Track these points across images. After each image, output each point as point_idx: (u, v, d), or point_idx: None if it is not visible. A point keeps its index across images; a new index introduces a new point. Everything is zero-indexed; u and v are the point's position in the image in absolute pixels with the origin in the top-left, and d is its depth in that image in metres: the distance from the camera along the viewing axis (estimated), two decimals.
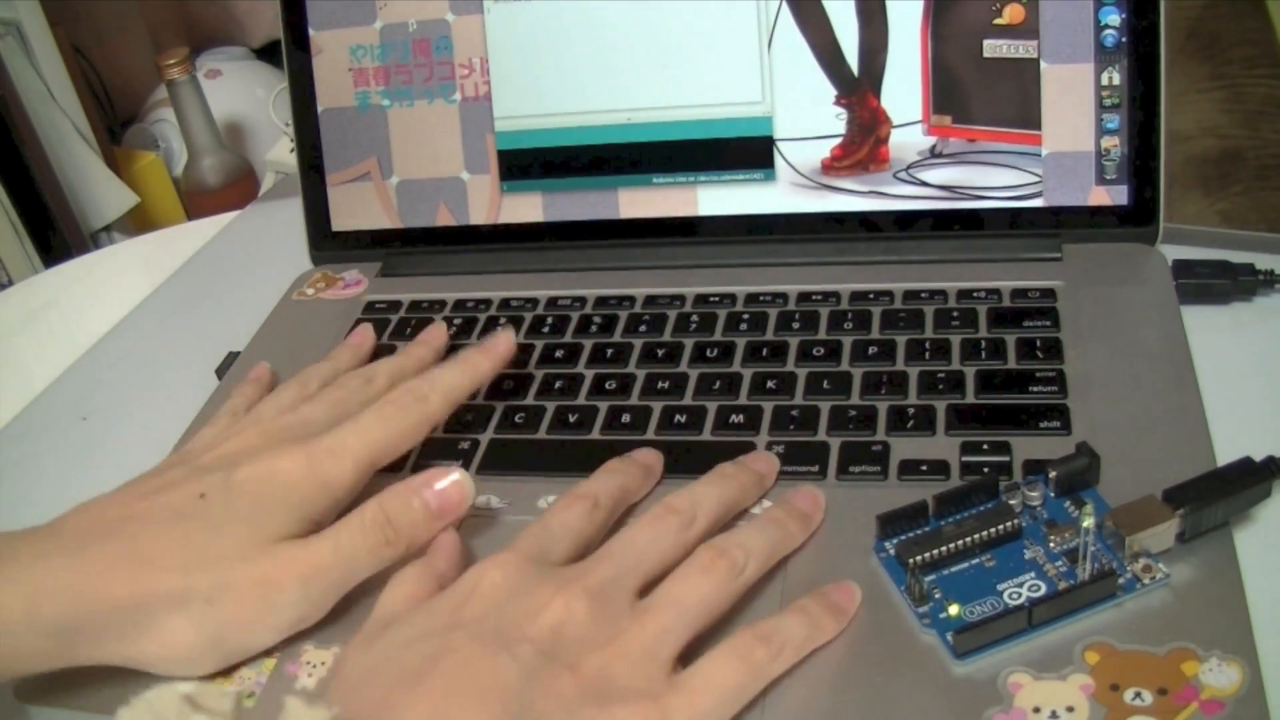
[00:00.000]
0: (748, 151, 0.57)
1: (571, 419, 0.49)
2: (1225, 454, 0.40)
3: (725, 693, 0.34)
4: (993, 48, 0.54)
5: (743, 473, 0.42)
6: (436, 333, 0.53)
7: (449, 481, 0.41)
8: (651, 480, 0.44)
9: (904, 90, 0.55)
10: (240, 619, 0.38)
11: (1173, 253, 0.53)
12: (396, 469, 0.47)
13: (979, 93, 0.54)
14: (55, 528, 0.40)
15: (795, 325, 0.52)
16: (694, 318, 0.54)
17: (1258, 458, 0.39)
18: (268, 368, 0.53)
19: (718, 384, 0.49)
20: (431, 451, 0.48)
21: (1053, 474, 0.40)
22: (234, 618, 0.38)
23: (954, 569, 0.38)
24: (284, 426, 0.44)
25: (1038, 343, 0.48)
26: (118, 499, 0.41)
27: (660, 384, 0.50)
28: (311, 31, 0.62)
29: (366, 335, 0.55)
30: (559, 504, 0.40)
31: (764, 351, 0.51)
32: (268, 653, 0.39)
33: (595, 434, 0.48)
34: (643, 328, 0.54)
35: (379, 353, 0.55)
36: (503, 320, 0.56)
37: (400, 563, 0.40)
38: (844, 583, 0.38)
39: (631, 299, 0.56)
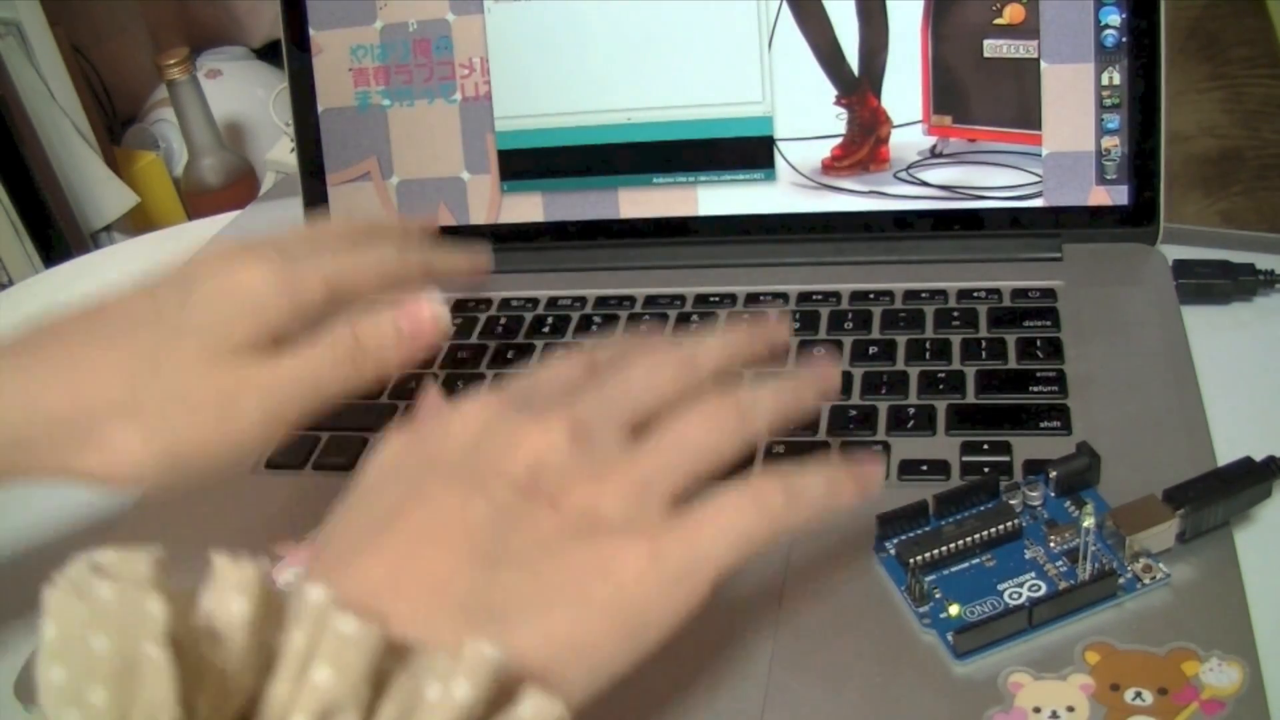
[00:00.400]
0: (748, 151, 0.57)
1: None
2: (1225, 454, 0.40)
3: (731, 534, 0.30)
4: (993, 47, 0.54)
5: (754, 329, 0.38)
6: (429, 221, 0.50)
7: (422, 303, 0.39)
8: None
9: (904, 90, 0.55)
10: (194, 431, 0.36)
11: (1173, 253, 0.53)
12: None
13: (979, 93, 0.54)
14: (14, 336, 0.38)
15: (795, 325, 0.52)
16: (694, 318, 0.54)
17: (1258, 458, 0.39)
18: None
19: None
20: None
21: (1053, 474, 0.40)
22: (188, 430, 0.36)
23: (954, 569, 0.38)
24: (259, 243, 0.40)
25: (1038, 343, 0.48)
26: (68, 313, 0.39)
27: None
28: (312, 31, 0.62)
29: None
30: (554, 357, 0.37)
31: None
32: None
33: None
34: (643, 328, 0.54)
35: None
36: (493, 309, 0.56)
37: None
38: (869, 454, 0.35)
39: (631, 299, 0.56)
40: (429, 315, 0.39)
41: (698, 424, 0.32)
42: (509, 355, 0.54)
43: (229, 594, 0.25)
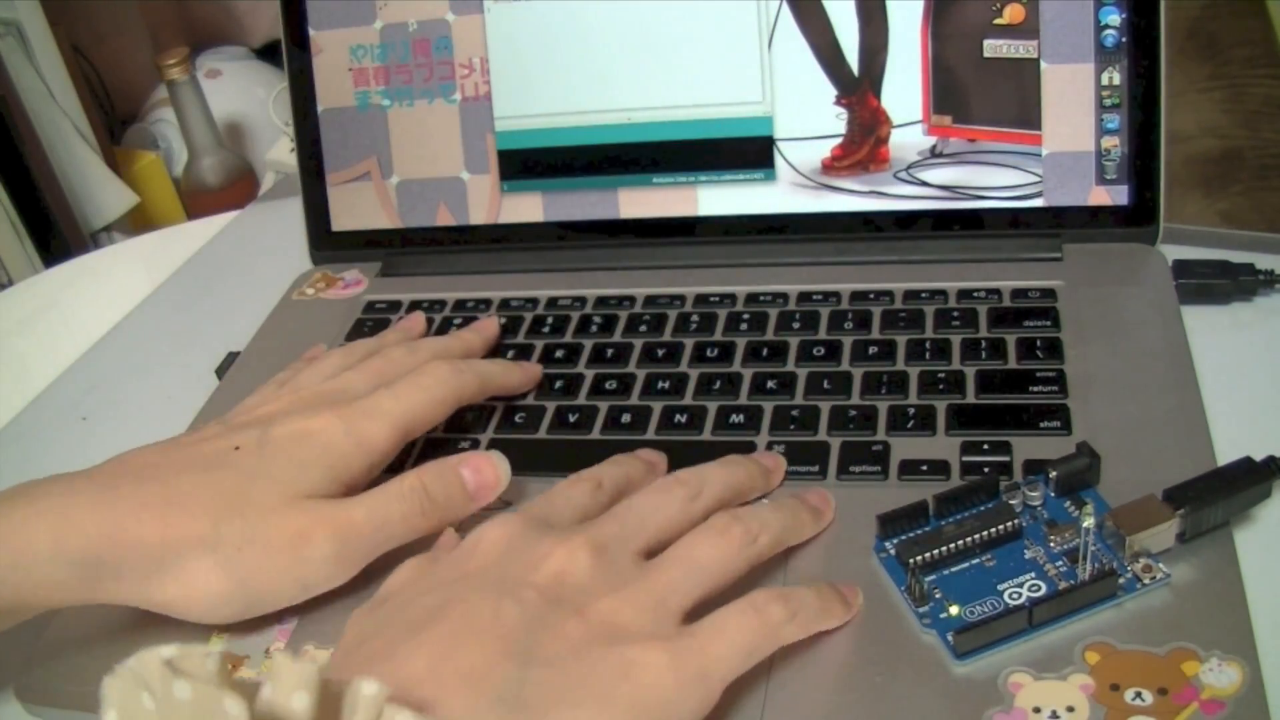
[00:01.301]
0: (748, 151, 0.57)
1: (571, 419, 0.49)
2: (1225, 454, 0.40)
3: (738, 646, 0.33)
4: (993, 48, 0.54)
5: (750, 463, 0.43)
6: (490, 326, 0.54)
7: (487, 462, 0.42)
8: (654, 477, 0.44)
9: (904, 90, 0.55)
10: (267, 569, 0.38)
11: (1173, 253, 0.53)
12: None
13: (979, 93, 0.54)
14: (90, 471, 0.40)
15: (795, 325, 0.52)
16: (694, 318, 0.54)
17: (1258, 458, 0.39)
18: (324, 349, 0.54)
19: (718, 384, 0.49)
20: (431, 452, 0.48)
21: (1053, 474, 0.40)
22: (261, 567, 0.38)
23: (954, 569, 0.38)
24: (323, 391, 0.45)
25: (1038, 343, 0.48)
26: (154, 449, 0.42)
27: (660, 384, 0.50)
28: (311, 31, 0.62)
29: (417, 322, 0.55)
30: (564, 482, 0.41)
31: (764, 351, 0.51)
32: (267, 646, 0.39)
33: (595, 434, 0.48)
34: (643, 328, 0.54)
35: None
36: (498, 318, 0.56)
37: (422, 544, 0.40)
38: (849, 583, 0.38)
39: (631, 299, 0.56)
40: (492, 474, 0.42)
41: (707, 548, 0.36)
42: (509, 355, 0.54)
43: (291, 690, 0.26)
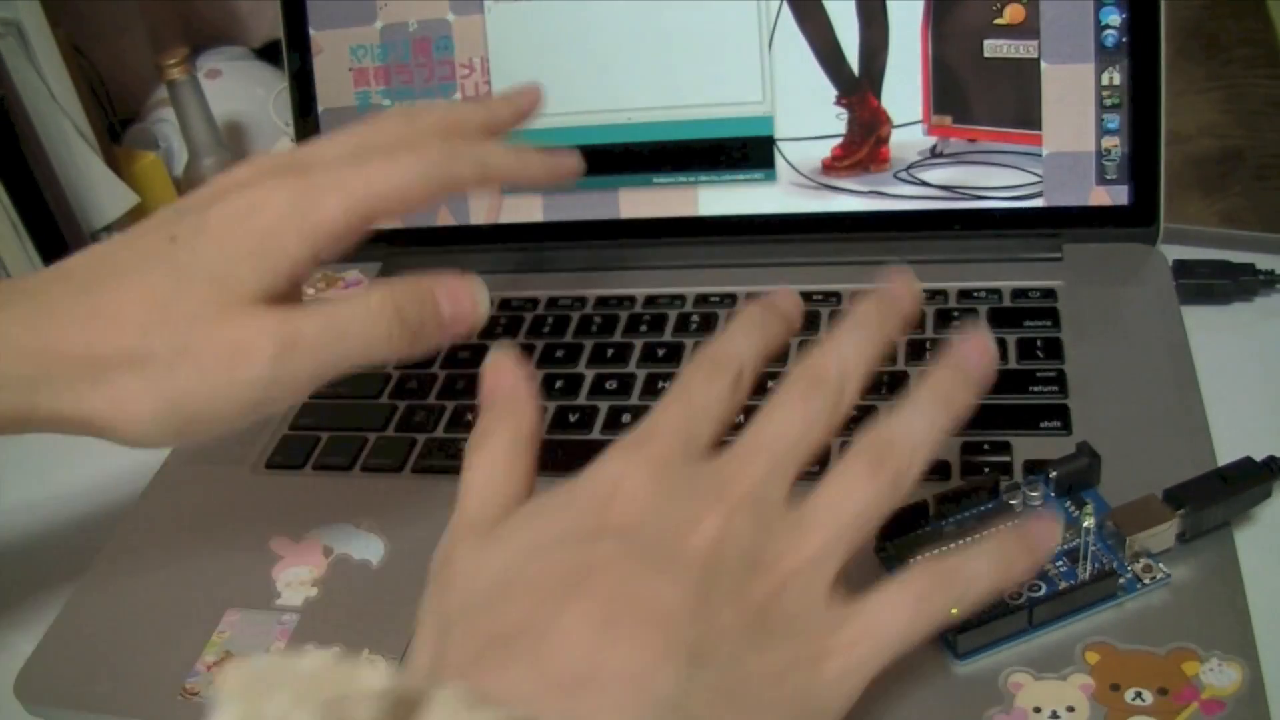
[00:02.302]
0: (748, 151, 0.57)
1: (572, 419, 0.49)
2: (1225, 454, 0.40)
3: (890, 638, 0.30)
4: (993, 48, 0.54)
5: (879, 305, 0.35)
6: (529, 96, 0.44)
7: (465, 289, 0.37)
8: (792, 333, 0.37)
9: (904, 90, 0.55)
10: (201, 388, 0.35)
11: (1173, 253, 0.53)
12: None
13: (979, 93, 0.54)
14: (30, 278, 0.38)
15: None
16: (694, 318, 0.54)
17: (1258, 458, 0.39)
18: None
19: None
20: (431, 453, 0.48)
21: (1053, 474, 0.40)
22: (194, 386, 0.35)
23: None
24: (284, 161, 0.38)
25: (1038, 343, 0.48)
26: (99, 246, 0.38)
27: (661, 384, 0.50)
28: (312, 31, 0.62)
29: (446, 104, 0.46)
30: (700, 374, 0.34)
31: None
32: None
33: (595, 434, 0.48)
34: (643, 328, 0.54)
35: None
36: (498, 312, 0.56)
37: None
38: (1045, 514, 0.34)
39: (632, 299, 0.56)
40: (470, 304, 0.37)
41: (859, 496, 0.31)
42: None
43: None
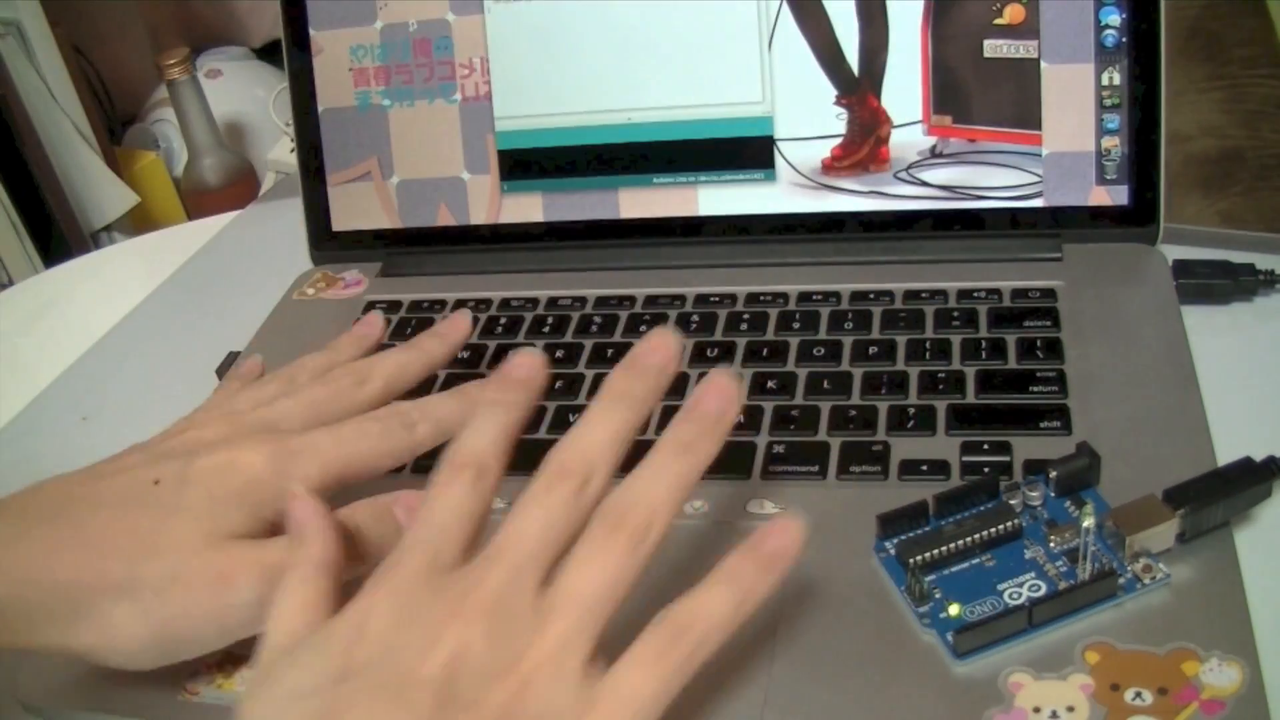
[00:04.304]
0: (748, 151, 0.57)
1: (572, 419, 0.49)
2: (1225, 454, 0.40)
3: (643, 704, 0.30)
4: (993, 48, 0.54)
5: (630, 377, 0.35)
6: (457, 327, 0.48)
7: (419, 499, 0.37)
8: (534, 398, 0.37)
9: (904, 90, 0.55)
10: (188, 614, 0.36)
11: (1173, 253, 0.53)
12: None
13: (979, 93, 0.54)
14: (2, 502, 0.38)
15: (795, 325, 0.52)
16: (694, 318, 0.54)
17: (1258, 458, 0.39)
18: (259, 361, 0.51)
19: None
20: (431, 452, 0.48)
21: (1053, 474, 0.40)
22: (182, 612, 0.36)
23: (954, 569, 0.38)
24: (256, 420, 0.42)
25: (1038, 343, 0.48)
26: (70, 480, 0.39)
27: None
28: (312, 31, 0.62)
29: (374, 325, 0.50)
30: (439, 480, 0.35)
31: (764, 351, 0.51)
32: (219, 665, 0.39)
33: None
34: (643, 328, 0.54)
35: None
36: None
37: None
38: (781, 521, 0.33)
39: (632, 299, 0.56)
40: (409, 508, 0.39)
41: (596, 567, 0.32)
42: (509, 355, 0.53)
43: None
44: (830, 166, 0.56)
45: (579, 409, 0.49)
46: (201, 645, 0.37)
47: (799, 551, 0.32)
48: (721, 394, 0.34)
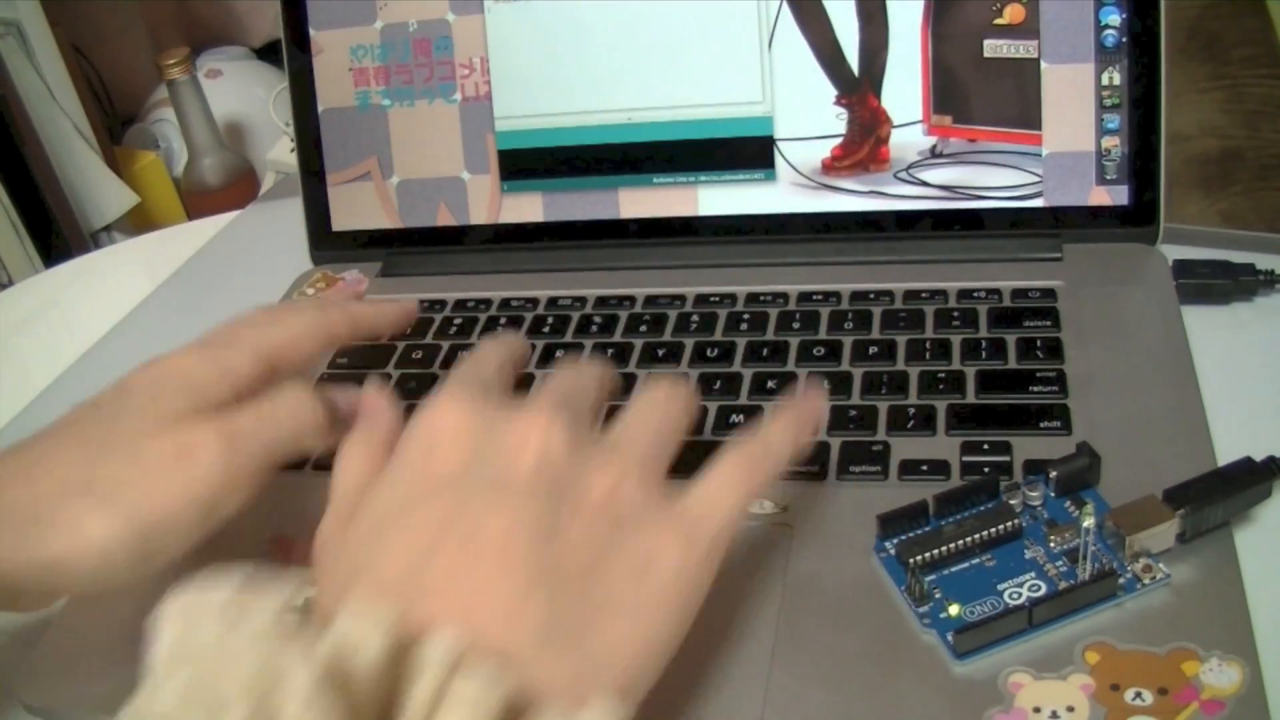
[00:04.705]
0: (748, 151, 0.57)
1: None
2: (1225, 454, 0.40)
3: (730, 514, 0.33)
4: (993, 47, 0.54)
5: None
6: (396, 310, 0.49)
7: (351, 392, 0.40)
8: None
9: (904, 90, 0.55)
10: (154, 494, 0.35)
11: (1173, 253, 0.53)
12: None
13: (979, 92, 0.54)
14: None
15: (795, 325, 0.52)
16: (694, 318, 0.54)
17: (1258, 458, 0.39)
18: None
19: (718, 384, 0.49)
20: None
21: (1053, 474, 0.40)
22: (147, 493, 0.35)
23: (954, 569, 0.38)
24: (185, 344, 0.41)
25: (1038, 343, 0.48)
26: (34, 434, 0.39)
27: None
28: (312, 31, 0.62)
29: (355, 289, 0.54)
30: (473, 355, 0.38)
31: (764, 351, 0.51)
32: None
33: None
34: (643, 328, 0.54)
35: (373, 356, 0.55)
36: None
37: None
38: (809, 392, 0.38)
39: (632, 299, 0.56)
40: (356, 399, 0.39)
41: (660, 402, 0.35)
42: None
43: (365, 636, 0.25)
44: (830, 166, 0.56)
45: None
46: (179, 532, 0.36)
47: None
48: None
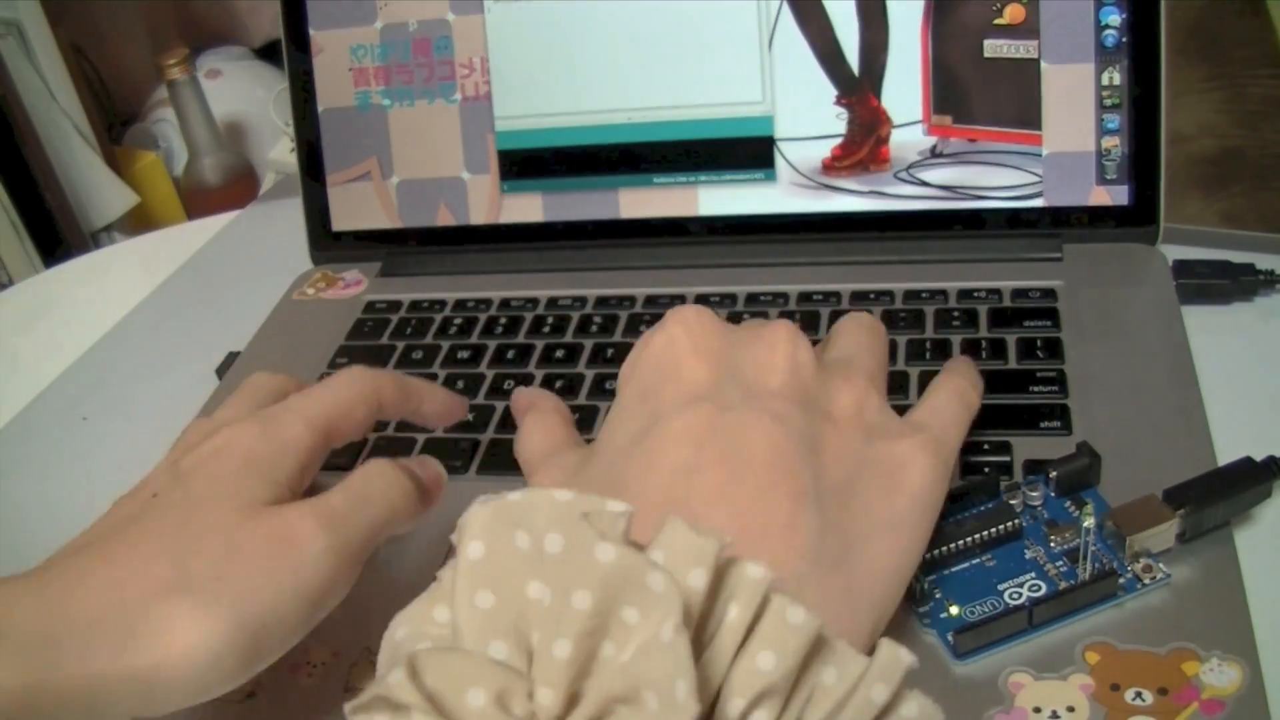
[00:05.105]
0: (748, 151, 0.57)
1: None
2: (1225, 454, 0.40)
3: (961, 423, 0.35)
4: (993, 48, 0.54)
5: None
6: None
7: (422, 462, 0.38)
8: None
9: (904, 90, 0.55)
10: (259, 589, 0.31)
11: (1173, 253, 0.53)
12: None
13: (979, 92, 0.54)
14: (18, 577, 0.32)
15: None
16: None
17: (1258, 458, 0.39)
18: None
19: None
20: (431, 451, 0.48)
21: (1053, 474, 0.40)
22: (250, 587, 0.31)
23: (954, 569, 0.38)
24: (226, 416, 0.38)
25: (1038, 343, 0.48)
26: (79, 536, 0.35)
27: None
28: (312, 31, 0.62)
29: None
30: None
31: None
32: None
33: (595, 434, 0.48)
34: (643, 328, 0.54)
35: (371, 357, 0.55)
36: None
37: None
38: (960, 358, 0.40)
39: (632, 299, 0.56)
40: (435, 471, 0.38)
41: (869, 327, 0.37)
42: (509, 355, 0.54)
43: (688, 564, 0.24)
44: (830, 166, 0.56)
45: (579, 409, 0.49)
46: (286, 625, 0.32)
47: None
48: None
